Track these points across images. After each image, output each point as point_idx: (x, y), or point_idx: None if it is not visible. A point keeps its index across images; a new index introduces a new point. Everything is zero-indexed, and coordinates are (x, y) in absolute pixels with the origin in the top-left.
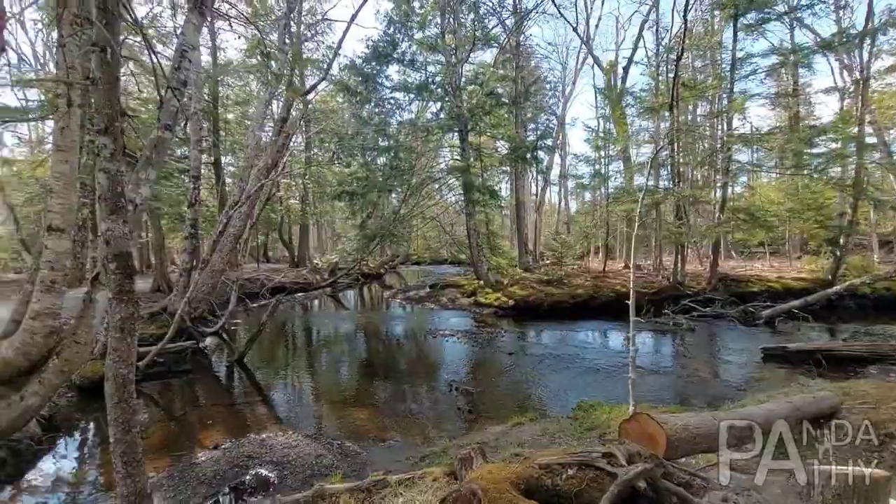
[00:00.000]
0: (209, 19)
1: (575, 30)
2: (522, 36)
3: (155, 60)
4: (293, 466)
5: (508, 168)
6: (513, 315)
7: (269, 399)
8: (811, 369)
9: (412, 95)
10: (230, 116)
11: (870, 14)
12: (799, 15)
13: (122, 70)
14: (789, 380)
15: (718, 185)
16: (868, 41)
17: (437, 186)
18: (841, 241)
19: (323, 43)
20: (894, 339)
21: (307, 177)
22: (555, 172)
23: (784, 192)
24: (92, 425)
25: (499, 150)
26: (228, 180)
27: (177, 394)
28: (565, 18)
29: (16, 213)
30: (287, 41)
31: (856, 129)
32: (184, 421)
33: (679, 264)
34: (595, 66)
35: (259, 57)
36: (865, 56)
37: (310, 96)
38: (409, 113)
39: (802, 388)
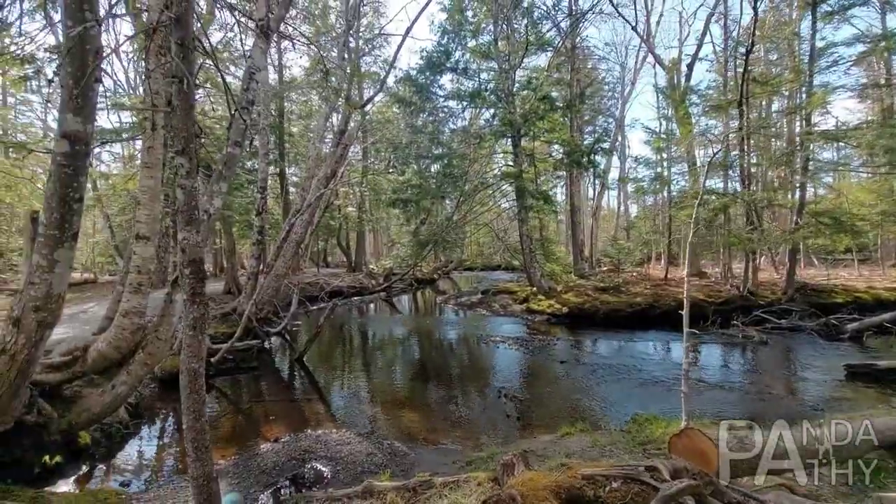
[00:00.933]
0: (275, 41)
1: (634, 28)
2: (578, 38)
3: (226, 83)
4: (345, 462)
5: (564, 172)
6: (566, 323)
7: (325, 397)
8: None
9: (465, 103)
10: (294, 130)
11: None
12: None
13: (198, 92)
14: (880, 400)
15: (796, 186)
16: None
17: (490, 192)
18: None
19: (380, 57)
20: None
21: (364, 185)
22: (613, 176)
23: (875, 192)
24: (171, 414)
25: (553, 154)
26: (292, 190)
27: (243, 389)
28: (623, 17)
29: (111, 221)
30: (346, 57)
31: None
32: (249, 414)
33: (749, 272)
34: (656, 64)
35: (320, 74)
36: None
37: (367, 108)
38: (462, 120)
39: (891, 411)
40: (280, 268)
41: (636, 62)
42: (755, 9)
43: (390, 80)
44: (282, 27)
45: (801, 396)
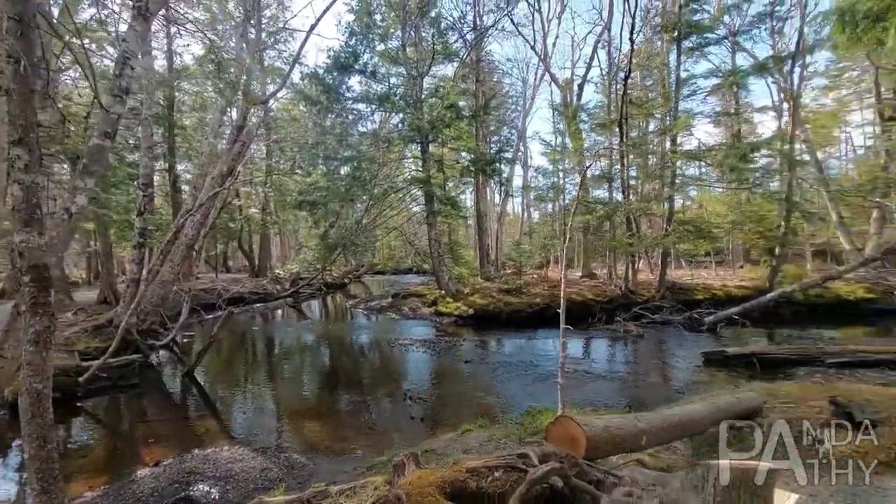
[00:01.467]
0: (163, 25)
1: (532, 48)
2: (483, 52)
3: (91, 67)
4: (236, 481)
5: (472, 179)
6: (472, 324)
7: (219, 412)
8: (746, 371)
9: (374, 106)
10: (187, 122)
11: (800, 39)
12: (738, 39)
13: (71, 74)
14: (727, 382)
15: (666, 198)
16: (798, 65)
17: (400, 196)
18: (777, 251)
19: (284, 52)
20: (823, 342)
21: (268, 185)
22: (517, 184)
23: (727, 205)
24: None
25: (460, 161)
26: (185, 188)
27: (122, 410)
28: (523, 36)
29: None
30: (244, 49)
31: (788, 147)
32: (127, 437)
33: (630, 273)
34: (552, 83)
35: (212, 64)
36: (796, 78)
37: (270, 104)
38: (372, 123)
39: (733, 391)
40: (167, 273)
41: (535, 79)
42: (632, 40)
43: (296, 77)
44: (169, 11)
45: (669, 382)
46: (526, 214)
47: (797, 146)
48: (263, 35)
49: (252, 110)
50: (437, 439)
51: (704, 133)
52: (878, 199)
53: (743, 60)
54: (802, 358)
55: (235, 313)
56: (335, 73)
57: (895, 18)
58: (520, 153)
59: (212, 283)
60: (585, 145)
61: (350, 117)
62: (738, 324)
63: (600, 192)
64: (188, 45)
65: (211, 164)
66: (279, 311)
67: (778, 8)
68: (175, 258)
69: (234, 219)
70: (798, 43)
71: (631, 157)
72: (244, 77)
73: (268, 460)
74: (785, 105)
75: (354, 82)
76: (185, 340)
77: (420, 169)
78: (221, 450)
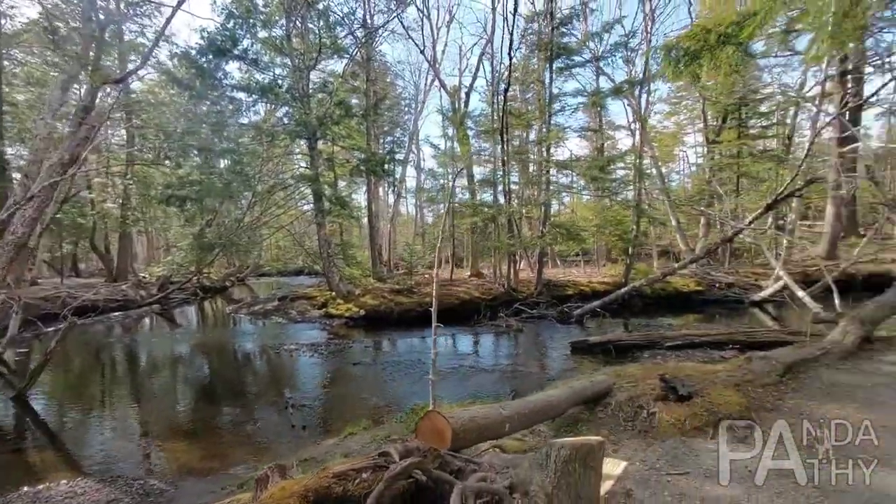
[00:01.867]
0: None
1: (422, 52)
2: (374, 51)
3: None
4: None
5: (364, 179)
6: (364, 325)
7: (59, 440)
8: (605, 357)
9: (256, 97)
10: (20, 98)
11: (646, 68)
12: (600, 64)
13: None
14: (590, 367)
15: (542, 202)
16: (645, 90)
17: (288, 194)
18: (630, 251)
19: (149, 27)
20: (663, 329)
21: (128, 177)
22: (411, 185)
23: (593, 210)
24: None
25: (351, 160)
26: (16, 176)
27: None
28: (413, 40)
29: None
30: (94, 18)
31: (638, 161)
32: None
33: (512, 272)
34: (441, 88)
35: (47, 32)
36: (644, 102)
37: (132, 85)
38: (255, 115)
39: (590, 375)
40: None
41: (426, 84)
42: (510, 56)
43: (164, 57)
44: None
45: (544, 371)
46: (419, 215)
47: (646, 161)
48: (122, 5)
49: (105, 90)
50: (319, 446)
51: (576, 146)
52: (702, 208)
53: (605, 83)
54: (647, 343)
55: (87, 324)
56: (211, 57)
57: (707, 57)
58: (413, 155)
59: (55, 290)
60: (472, 150)
61: (230, 106)
62: (600, 315)
63: (487, 196)
64: (14, 6)
65: (49, 150)
66: (146, 321)
67: (630, 40)
68: (0, 260)
69: (84, 214)
70: (644, 72)
71: (513, 163)
72: (92, 50)
73: (118, 490)
74: (636, 125)
75: (234, 69)
76: (17, 359)
77: (308, 166)
78: (58, 484)
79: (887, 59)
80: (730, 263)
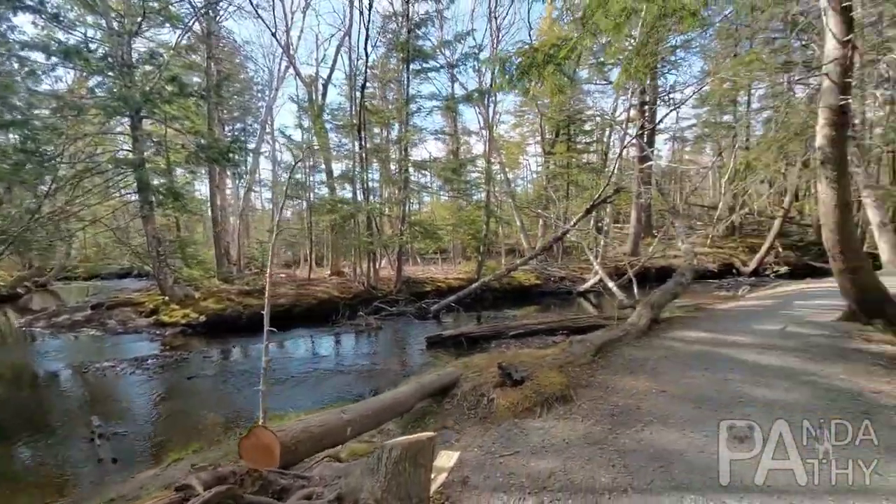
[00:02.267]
0: None
1: (274, 35)
2: (219, 27)
3: None
4: None
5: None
6: (205, 332)
7: None
8: (457, 350)
9: (58, 60)
10: None
11: (492, 78)
12: (455, 71)
13: None
14: (445, 360)
15: (400, 200)
16: (491, 100)
17: (106, 181)
18: (482, 248)
19: None
20: (508, 320)
21: None
22: (267, 177)
23: (449, 210)
24: None
25: (189, 146)
26: None
27: None
28: (262, 20)
29: None
30: None
31: (487, 166)
32: None
33: (372, 270)
34: (297, 77)
35: None
36: (491, 111)
37: None
38: (61, 82)
39: (441, 368)
40: None
41: (280, 70)
42: (366, 51)
43: None
44: None
45: (402, 367)
46: (276, 211)
47: (495, 167)
48: None
49: None
50: (134, 480)
51: (435, 148)
52: (539, 211)
53: (459, 90)
54: (494, 333)
55: None
56: None
57: (535, 73)
58: (267, 146)
59: None
60: (331, 145)
61: (17, 67)
62: (455, 310)
63: (346, 193)
64: None
65: None
66: None
67: (479, 52)
68: None
69: None
70: (491, 83)
71: (373, 161)
72: None
73: None
74: (485, 132)
75: (26, 22)
76: None
77: (132, 150)
78: None
79: (670, 96)
80: (562, 260)
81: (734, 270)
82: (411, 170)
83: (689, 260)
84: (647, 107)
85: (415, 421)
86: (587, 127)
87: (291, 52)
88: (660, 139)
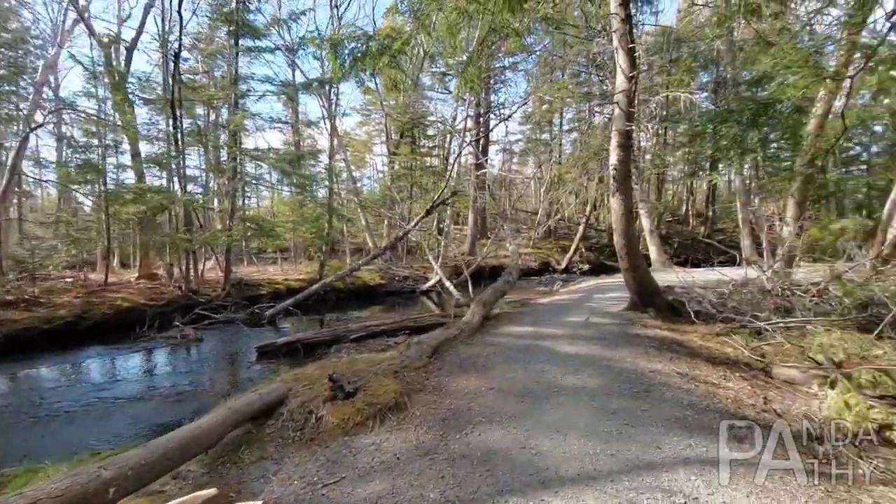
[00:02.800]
0: None
1: None
2: None
3: None
4: None
5: None
6: None
7: None
8: (294, 359)
9: None
10: None
11: (334, 68)
12: (295, 58)
13: None
14: (277, 372)
15: (228, 193)
16: (334, 91)
17: None
18: (324, 248)
19: None
20: (351, 321)
21: None
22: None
23: (290, 206)
24: None
25: None
26: None
27: None
28: None
29: None
30: None
31: (329, 161)
32: None
33: (192, 271)
34: (91, 35)
35: None
36: (334, 104)
37: None
38: None
39: (268, 383)
40: None
41: (65, 23)
42: (180, 14)
43: None
44: None
45: (223, 384)
46: (63, 200)
47: (340, 163)
48: None
49: None
50: None
51: (277, 139)
52: (383, 210)
53: (302, 79)
54: (334, 338)
55: None
56: None
57: (370, 62)
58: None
59: None
60: (139, 123)
61: None
62: (294, 314)
63: (158, 180)
64: None
65: None
66: None
67: (322, 37)
68: None
69: None
70: (333, 71)
71: (198, 147)
72: None
73: None
74: (329, 125)
75: None
76: None
77: None
78: None
79: (501, 111)
80: (406, 259)
81: (551, 268)
82: (242, 159)
83: (515, 260)
84: (481, 118)
85: (225, 455)
86: (430, 132)
87: (83, 1)
88: (493, 149)
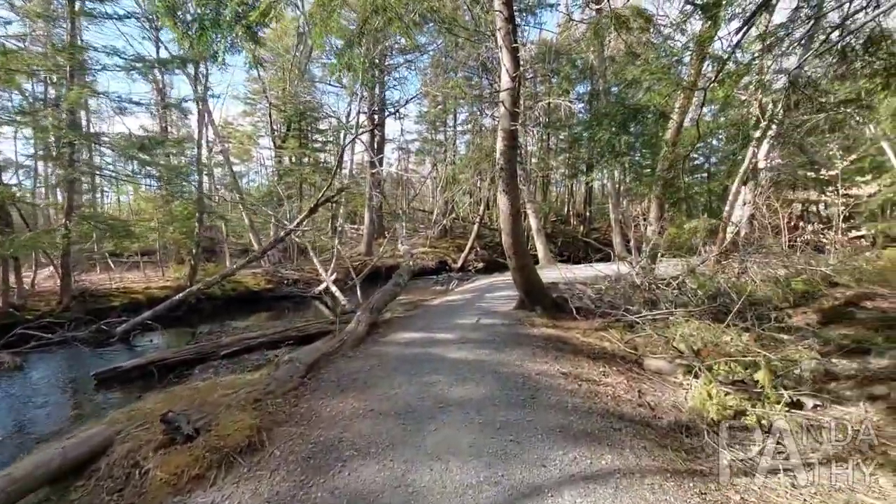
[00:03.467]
0: None
1: None
2: None
3: None
4: None
5: None
6: None
7: None
8: (144, 385)
9: None
10: None
11: (178, 37)
12: (157, 30)
13: None
14: (119, 405)
15: (61, 183)
16: (200, 72)
17: None
18: (195, 250)
19: None
20: (228, 334)
21: None
22: None
23: (154, 202)
24: None
25: None
26: None
27: None
28: None
29: None
30: None
31: (198, 151)
32: None
33: (17, 283)
34: None
35: None
36: (203, 86)
37: None
38: None
39: (93, 424)
40: None
41: None
42: None
43: None
44: None
45: (39, 426)
46: None
47: (218, 155)
48: None
49: None
50: None
51: (136, 122)
52: (269, 210)
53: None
54: (199, 356)
55: None
56: None
57: (221, 32)
58: None
59: None
60: None
61: None
62: (155, 328)
63: None
64: None
65: None
66: None
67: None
68: None
69: None
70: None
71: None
72: None
73: None
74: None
75: None
76: None
77: None
78: None
79: (397, 110)
80: (298, 261)
81: (447, 267)
82: (81, 145)
83: (407, 261)
84: (376, 116)
85: None
86: (322, 126)
87: None
88: (389, 147)
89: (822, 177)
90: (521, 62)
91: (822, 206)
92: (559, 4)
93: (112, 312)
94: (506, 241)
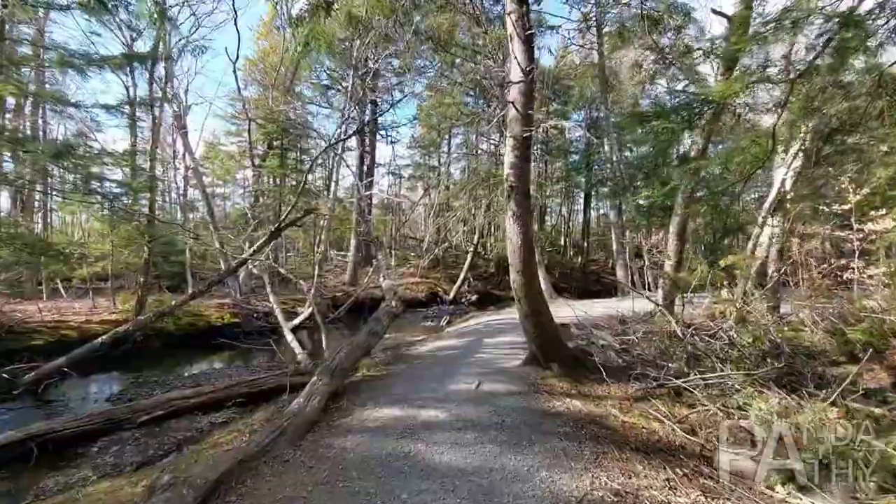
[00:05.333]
0: None
1: None
2: None
3: None
4: None
5: None
6: None
7: None
8: (18, 470)
9: None
10: None
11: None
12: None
13: None
14: None
15: None
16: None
17: None
18: (144, 278)
19: None
20: (162, 386)
21: None
22: None
23: (104, 222)
24: None
25: None
26: None
27: None
28: None
29: None
30: None
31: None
32: None
33: None
34: None
35: None
36: (163, 87)
37: None
38: None
39: None
40: None
41: None
42: None
43: None
44: None
45: None
46: None
47: (182, 170)
48: None
49: None
50: None
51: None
52: (230, 234)
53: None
54: (109, 425)
55: None
56: None
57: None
58: None
59: None
60: None
61: None
62: (70, 376)
63: None
64: None
65: None
66: None
67: None
68: None
69: None
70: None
71: None
72: None
73: None
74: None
75: None
76: None
77: None
78: None
79: (388, 133)
80: (275, 290)
81: (439, 298)
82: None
83: (389, 300)
84: (367, 138)
85: None
86: (308, 146)
87: None
88: (380, 172)
89: (835, 210)
90: (535, 50)
91: (836, 241)
92: (560, 27)
93: (26, 354)
94: (515, 280)
